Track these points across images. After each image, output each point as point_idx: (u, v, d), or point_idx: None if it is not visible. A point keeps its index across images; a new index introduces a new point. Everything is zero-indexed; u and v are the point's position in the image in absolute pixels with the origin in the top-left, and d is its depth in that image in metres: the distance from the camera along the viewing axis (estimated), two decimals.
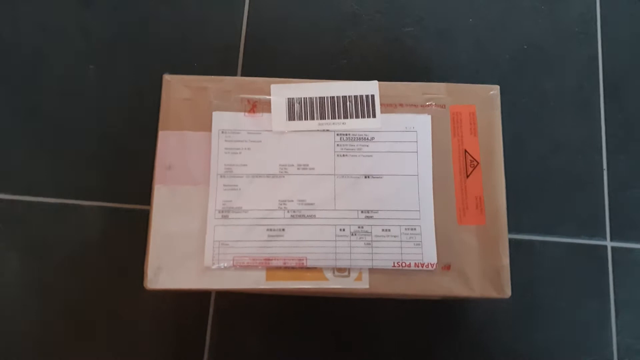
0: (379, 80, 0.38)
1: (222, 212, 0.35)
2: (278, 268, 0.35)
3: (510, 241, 0.36)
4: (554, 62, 0.51)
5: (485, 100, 0.38)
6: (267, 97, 0.37)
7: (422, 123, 0.37)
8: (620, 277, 0.46)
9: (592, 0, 0.53)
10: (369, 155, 0.36)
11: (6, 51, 0.49)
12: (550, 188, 0.48)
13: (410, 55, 0.50)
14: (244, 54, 0.49)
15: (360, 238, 0.35)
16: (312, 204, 0.36)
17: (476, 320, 0.45)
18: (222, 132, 0.36)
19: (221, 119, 0.37)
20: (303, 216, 0.35)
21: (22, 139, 0.47)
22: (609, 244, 0.47)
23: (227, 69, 0.49)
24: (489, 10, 0.52)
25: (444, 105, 0.37)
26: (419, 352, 0.44)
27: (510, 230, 0.36)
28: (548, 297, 0.45)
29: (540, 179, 0.48)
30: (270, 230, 0.35)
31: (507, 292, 0.35)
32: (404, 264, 0.35)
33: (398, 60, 0.50)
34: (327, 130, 0.37)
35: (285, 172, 0.36)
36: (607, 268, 0.46)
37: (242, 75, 0.49)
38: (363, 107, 0.37)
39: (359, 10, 0.51)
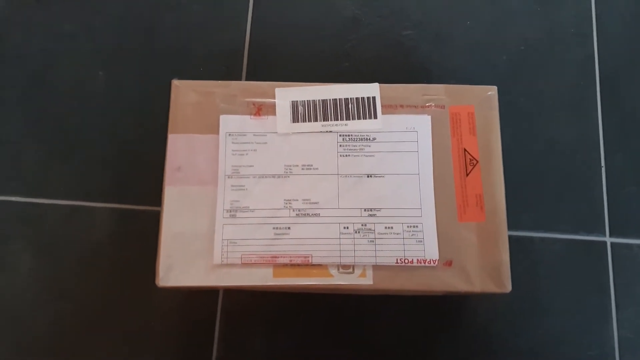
0: (379, 83, 0.38)
1: (230, 211, 0.36)
2: (284, 265, 0.35)
3: (510, 238, 0.36)
4: (550, 62, 0.51)
5: (483, 100, 0.38)
6: (272, 100, 0.38)
7: (422, 123, 0.38)
8: (620, 273, 0.46)
9: (586, 0, 0.53)
10: (371, 155, 0.37)
11: (18, 57, 0.50)
12: (549, 185, 0.48)
13: (409, 57, 0.50)
14: (248, 58, 0.50)
15: (363, 235, 0.36)
16: (316, 203, 0.36)
17: (478, 317, 0.45)
18: (229, 135, 0.37)
19: (228, 122, 0.37)
20: (308, 215, 0.36)
21: (35, 143, 0.48)
22: (608, 239, 0.47)
23: (232, 74, 0.49)
24: (485, 13, 0.52)
25: (443, 106, 0.38)
26: (421, 348, 0.44)
27: (509, 228, 0.36)
28: (549, 293, 0.45)
29: (539, 177, 0.48)
30: (277, 228, 0.36)
31: (508, 287, 0.36)
32: (406, 261, 0.36)
33: (398, 62, 0.50)
34: (330, 131, 0.37)
35: (290, 172, 0.37)
36: (607, 264, 0.46)
37: (247, 79, 0.49)
38: (365, 109, 0.38)
39: (359, 15, 0.52)
